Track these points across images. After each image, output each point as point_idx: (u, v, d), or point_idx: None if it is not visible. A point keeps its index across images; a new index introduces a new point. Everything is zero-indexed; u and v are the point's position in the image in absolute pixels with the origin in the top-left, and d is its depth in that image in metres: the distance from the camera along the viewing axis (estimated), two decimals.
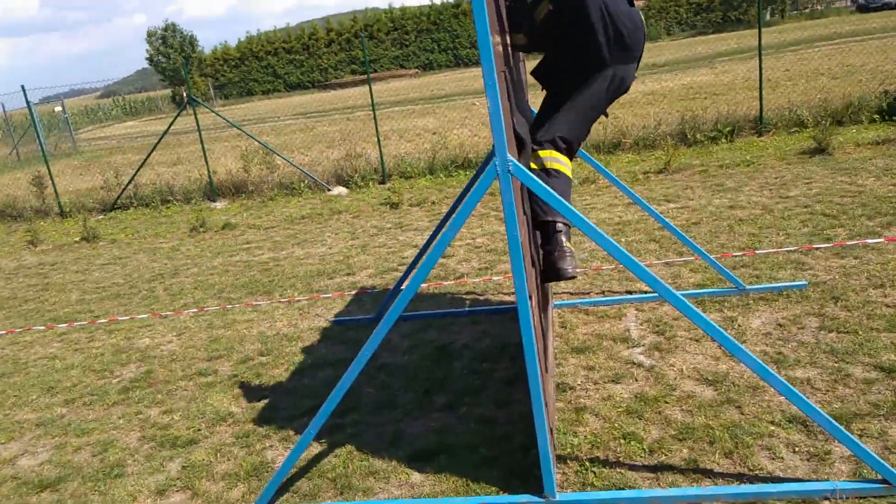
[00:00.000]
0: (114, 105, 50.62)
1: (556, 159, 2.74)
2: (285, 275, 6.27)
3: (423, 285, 5.42)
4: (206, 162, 10.50)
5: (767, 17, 39.61)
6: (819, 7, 40.33)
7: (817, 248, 4.84)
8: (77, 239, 9.30)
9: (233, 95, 47.34)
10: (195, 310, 5.65)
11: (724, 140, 8.99)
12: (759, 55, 9.21)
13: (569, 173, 2.81)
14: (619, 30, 2.81)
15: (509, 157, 2.25)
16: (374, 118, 10.21)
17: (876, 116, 8.58)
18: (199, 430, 3.62)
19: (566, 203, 2.36)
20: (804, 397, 2.34)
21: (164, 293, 6.30)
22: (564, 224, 2.74)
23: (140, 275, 7.10)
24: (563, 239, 2.69)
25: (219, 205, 10.24)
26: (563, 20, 2.86)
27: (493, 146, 2.23)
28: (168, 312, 5.68)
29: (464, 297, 5.06)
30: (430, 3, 48.80)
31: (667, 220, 4.44)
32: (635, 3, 2.88)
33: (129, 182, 10.81)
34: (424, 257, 2.61)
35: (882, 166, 6.79)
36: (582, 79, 2.91)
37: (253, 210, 9.63)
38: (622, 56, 2.85)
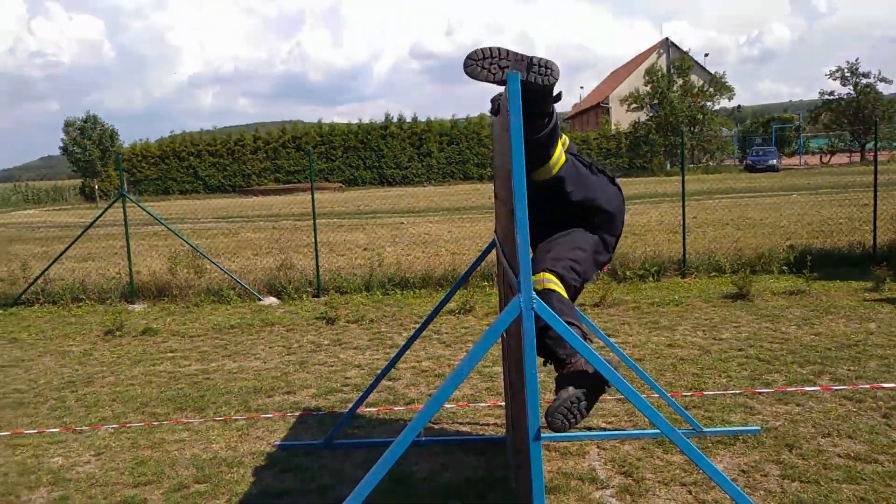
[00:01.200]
0: (14, 191, 48.09)
1: (550, 280, 2.77)
2: (218, 390, 5.85)
3: (373, 410, 5.19)
4: (129, 260, 9.96)
5: (668, 166, 43.54)
6: (711, 163, 44.85)
7: (760, 393, 5.04)
8: None
9: (148, 192, 46.11)
10: (115, 425, 5.11)
11: (651, 279, 9.48)
12: (683, 203, 10.01)
13: (565, 294, 2.81)
14: (608, 210, 3.09)
15: (533, 294, 2.24)
16: (315, 229, 10.14)
17: (784, 268, 9.36)
18: None
19: (583, 342, 2.35)
20: None
21: (76, 404, 5.69)
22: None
23: (47, 381, 6.42)
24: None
25: (137, 307, 9.63)
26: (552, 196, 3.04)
27: (519, 282, 2.23)
28: (84, 427, 5.11)
29: None
30: (358, 123, 50.68)
31: (618, 355, 4.52)
32: None
33: (40, 276, 10.04)
34: (439, 386, 2.50)
35: (800, 315, 7.31)
36: (572, 228, 3.06)
37: (176, 315, 9.10)
38: (609, 228, 3.13)
